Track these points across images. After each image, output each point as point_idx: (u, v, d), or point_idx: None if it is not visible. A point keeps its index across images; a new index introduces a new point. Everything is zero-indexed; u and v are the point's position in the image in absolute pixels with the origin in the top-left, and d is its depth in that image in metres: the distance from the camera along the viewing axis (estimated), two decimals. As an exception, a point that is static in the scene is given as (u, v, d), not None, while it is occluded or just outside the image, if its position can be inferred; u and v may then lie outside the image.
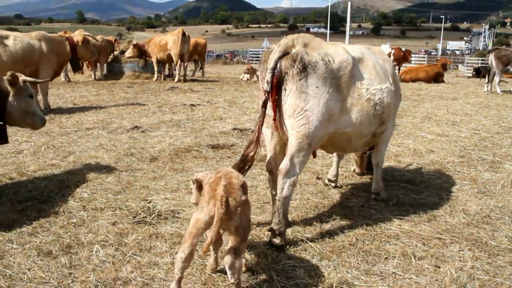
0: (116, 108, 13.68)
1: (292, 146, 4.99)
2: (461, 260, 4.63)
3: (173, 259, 4.52)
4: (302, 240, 5.02)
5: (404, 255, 4.72)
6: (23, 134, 9.22)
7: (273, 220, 4.98)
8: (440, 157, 8.57)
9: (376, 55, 5.94)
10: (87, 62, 24.24)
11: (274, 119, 5.02)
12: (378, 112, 5.51)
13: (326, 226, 5.43)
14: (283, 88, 4.93)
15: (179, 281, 3.76)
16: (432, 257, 4.69)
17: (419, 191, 6.69)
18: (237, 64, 49.59)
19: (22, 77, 6.35)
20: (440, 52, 78.22)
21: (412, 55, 36.78)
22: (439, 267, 4.49)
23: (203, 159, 8.17)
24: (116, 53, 25.49)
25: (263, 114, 4.95)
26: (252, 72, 25.55)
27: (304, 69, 4.90)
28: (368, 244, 4.99)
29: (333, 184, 6.89)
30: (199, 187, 4.05)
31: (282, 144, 5.28)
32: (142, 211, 5.64)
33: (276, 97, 4.95)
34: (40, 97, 13.08)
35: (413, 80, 26.00)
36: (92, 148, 8.81)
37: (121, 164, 7.77)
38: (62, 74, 21.19)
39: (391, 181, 7.11)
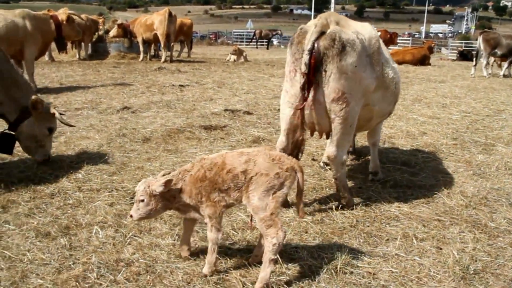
0: (104, 88, 13.48)
1: (335, 130, 5.03)
2: (462, 242, 4.65)
3: (174, 240, 4.47)
4: (303, 221, 5.00)
5: (405, 237, 4.73)
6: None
7: (336, 194, 5.46)
8: (433, 139, 8.59)
9: None
10: (71, 42, 23.78)
11: (307, 100, 4.92)
12: (396, 92, 5.55)
13: (325, 208, 5.41)
14: (322, 69, 4.84)
15: (275, 263, 3.75)
16: (433, 238, 4.70)
17: (415, 173, 6.70)
18: (222, 45, 49.22)
19: (54, 110, 6.31)
20: (423, 35, 78.48)
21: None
22: (441, 248, 4.50)
23: (197, 140, 8.09)
24: (100, 32, 25.06)
25: (303, 97, 4.85)
26: (239, 53, 25.35)
27: (344, 49, 4.81)
28: (368, 226, 4.98)
29: (328, 167, 6.86)
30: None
31: (296, 127, 5.19)
32: (139, 192, 5.55)
33: (313, 78, 4.85)
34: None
35: (400, 63, 25.99)
36: (83, 129, 8.66)
37: (114, 145, 7.65)
38: (46, 53, 20.78)
39: (386, 163, 7.11)
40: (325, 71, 4.84)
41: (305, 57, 4.77)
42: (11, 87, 6.20)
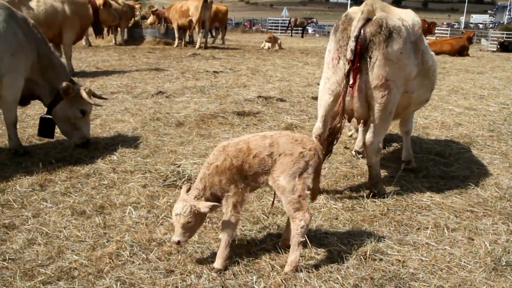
0: (139, 73, 13.67)
1: (374, 117, 5.05)
2: (495, 233, 4.57)
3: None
4: (333, 208, 5.00)
5: (436, 226, 4.68)
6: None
7: (369, 182, 5.45)
8: (469, 131, 8.43)
9: None
10: (107, 27, 24.13)
11: (352, 87, 4.92)
12: (433, 79, 5.52)
13: (356, 195, 5.40)
14: (367, 56, 4.83)
15: (303, 246, 3.79)
16: (465, 229, 4.64)
17: (449, 164, 6.60)
18: (256, 33, 49.11)
19: (82, 92, 6.39)
20: (462, 25, 76.63)
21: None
22: (472, 239, 4.44)
23: (229, 126, 8.14)
24: (136, 18, 25.33)
25: (347, 84, 4.86)
26: (273, 41, 25.28)
27: (390, 35, 4.80)
28: (399, 214, 4.95)
29: (360, 155, 6.82)
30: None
31: (336, 114, 5.19)
32: (172, 175, 5.65)
33: (358, 65, 4.85)
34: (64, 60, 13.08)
35: (437, 53, 25.43)
36: (118, 112, 8.82)
37: (148, 128, 7.78)
38: (84, 38, 21.14)
39: (420, 153, 7.02)
40: (370, 58, 4.83)
41: (351, 44, 4.77)
42: (48, 69, 6.36)
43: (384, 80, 4.86)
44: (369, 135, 5.22)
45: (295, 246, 3.68)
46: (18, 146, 6.33)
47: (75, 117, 6.49)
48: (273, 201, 4.36)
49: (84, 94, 6.41)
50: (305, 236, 3.72)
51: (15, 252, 3.94)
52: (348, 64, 4.79)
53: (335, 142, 5.14)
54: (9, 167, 5.83)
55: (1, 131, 7.16)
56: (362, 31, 4.80)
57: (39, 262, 3.80)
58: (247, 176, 3.69)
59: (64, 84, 6.27)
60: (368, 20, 4.85)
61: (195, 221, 3.61)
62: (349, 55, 4.77)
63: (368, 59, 4.84)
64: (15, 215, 4.60)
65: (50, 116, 6.51)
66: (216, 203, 3.62)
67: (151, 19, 23.67)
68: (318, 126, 5.32)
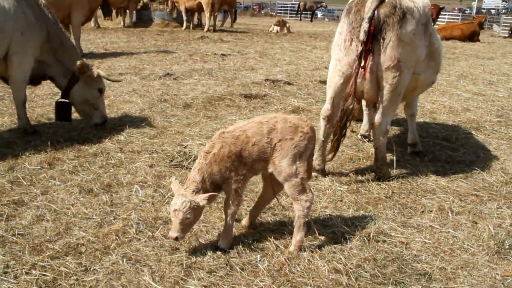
0: (147, 55, 13.68)
1: (383, 98, 5.06)
2: (499, 218, 4.59)
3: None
4: (338, 190, 5.03)
5: (440, 210, 4.70)
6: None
7: (374, 164, 5.49)
8: (476, 116, 8.41)
9: None
10: (116, 9, 24.11)
11: (364, 68, 4.93)
12: (438, 61, 5.52)
13: (362, 178, 5.42)
14: (380, 37, 4.84)
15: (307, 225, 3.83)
16: (470, 213, 4.66)
17: (455, 149, 6.60)
18: (265, 17, 48.89)
19: (97, 71, 6.44)
20: (474, 11, 75.74)
21: (441, 13, 35.25)
22: (476, 223, 4.46)
23: (236, 108, 8.16)
24: (145, 0, 25.28)
25: (359, 65, 4.87)
26: (282, 24, 25.16)
27: (404, 16, 4.82)
28: (404, 198, 4.98)
29: (366, 139, 6.83)
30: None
31: (348, 95, 5.24)
32: (179, 155, 5.69)
33: (370, 46, 4.86)
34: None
35: (447, 38, 25.23)
36: (126, 93, 8.86)
37: (155, 110, 7.82)
38: (92, 20, 21.14)
39: (426, 137, 7.02)
40: (383, 39, 4.84)
41: (365, 25, 4.77)
42: (59, 49, 6.38)
43: (396, 61, 4.88)
44: (377, 116, 5.22)
45: (301, 226, 3.72)
46: (27, 125, 6.39)
47: (93, 97, 6.54)
48: (276, 198, 4.27)
49: (101, 72, 6.49)
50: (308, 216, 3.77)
51: (24, 227, 4.01)
52: (361, 45, 4.79)
53: (348, 124, 5.16)
54: (18, 145, 5.89)
55: (11, 110, 7.21)
56: (375, 12, 4.79)
57: (47, 237, 3.87)
58: (246, 163, 3.68)
59: (78, 62, 6.30)
60: (381, 1, 4.85)
61: (194, 216, 3.56)
62: (362, 36, 4.77)
63: (381, 40, 4.84)
64: (24, 192, 4.67)
65: (66, 100, 6.57)
66: (213, 193, 3.59)
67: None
68: (326, 107, 5.34)
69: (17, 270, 3.43)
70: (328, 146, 5.44)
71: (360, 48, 4.81)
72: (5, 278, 3.33)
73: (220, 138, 3.67)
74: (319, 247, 3.86)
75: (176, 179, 3.74)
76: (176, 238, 3.55)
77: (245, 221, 4.17)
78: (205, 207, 3.69)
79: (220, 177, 3.66)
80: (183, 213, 3.47)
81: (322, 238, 4.03)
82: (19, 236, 3.89)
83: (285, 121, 3.71)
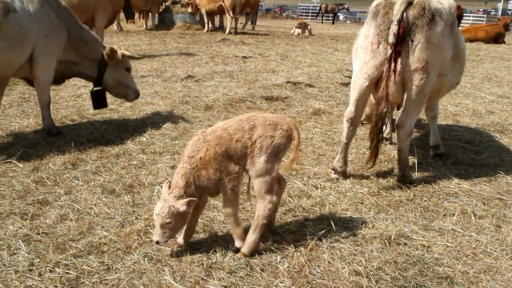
0: (169, 58, 13.79)
1: (409, 99, 5.04)
2: (523, 222, 4.53)
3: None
4: (359, 193, 5.01)
5: (463, 213, 4.65)
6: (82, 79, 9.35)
7: (396, 166, 5.45)
8: (501, 119, 8.28)
9: None
10: (138, 12, 24.37)
11: (394, 71, 4.89)
12: (463, 62, 5.48)
13: (383, 181, 5.39)
14: (409, 39, 4.83)
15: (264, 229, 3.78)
16: (493, 216, 4.60)
17: (479, 152, 6.52)
18: (287, 19, 48.86)
19: (121, 51, 6.67)
20: (500, 12, 74.65)
21: (466, 14, 34.79)
22: (500, 227, 4.40)
23: (257, 110, 8.18)
24: (167, 3, 25.50)
25: (389, 68, 4.85)
26: (303, 27, 25.14)
27: (433, 18, 4.81)
28: (426, 201, 4.93)
29: (388, 142, 6.79)
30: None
31: (366, 99, 5.32)
32: (200, 157, 5.72)
33: (400, 49, 4.84)
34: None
35: (472, 40, 24.91)
36: (148, 95, 8.95)
37: (177, 112, 7.88)
38: (115, 22, 21.40)
39: (449, 140, 6.95)
40: (412, 41, 4.82)
41: (394, 28, 4.75)
42: (81, 46, 6.55)
43: (424, 63, 4.85)
44: (402, 118, 5.17)
45: (258, 227, 3.69)
46: (52, 126, 6.50)
47: (124, 77, 6.81)
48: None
49: (125, 52, 6.76)
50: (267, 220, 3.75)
51: (48, 226, 4.09)
52: (390, 48, 4.78)
53: (384, 128, 5.13)
54: (43, 146, 5.99)
55: (36, 112, 7.34)
56: (404, 15, 4.78)
57: (71, 236, 3.94)
58: (233, 160, 3.62)
59: (107, 48, 6.53)
60: (410, 3, 4.83)
61: (175, 221, 3.50)
62: (391, 39, 4.75)
63: (410, 42, 4.82)
64: (48, 192, 4.76)
65: (99, 88, 6.81)
66: (191, 198, 3.51)
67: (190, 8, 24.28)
68: (350, 110, 5.33)
69: (41, 268, 3.49)
70: (352, 149, 5.42)
71: (389, 51, 4.79)
72: (29, 276, 3.40)
73: (203, 141, 3.59)
74: (339, 249, 3.86)
75: (168, 182, 3.68)
76: (157, 242, 3.54)
77: None
78: (188, 212, 3.57)
79: (210, 181, 3.59)
80: (162, 217, 3.46)
81: (343, 240, 4.02)
82: (43, 234, 3.96)
83: (265, 119, 3.69)
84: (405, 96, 5.07)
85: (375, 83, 5.13)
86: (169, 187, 3.62)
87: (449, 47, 5.05)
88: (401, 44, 4.80)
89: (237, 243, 3.78)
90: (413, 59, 4.85)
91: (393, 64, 4.83)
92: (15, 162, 5.41)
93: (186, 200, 3.48)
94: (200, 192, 3.64)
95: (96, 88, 6.83)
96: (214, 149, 3.55)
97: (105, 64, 6.64)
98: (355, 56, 5.36)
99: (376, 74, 5.02)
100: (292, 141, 3.77)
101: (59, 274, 3.42)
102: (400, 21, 4.75)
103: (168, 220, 3.47)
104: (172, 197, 3.52)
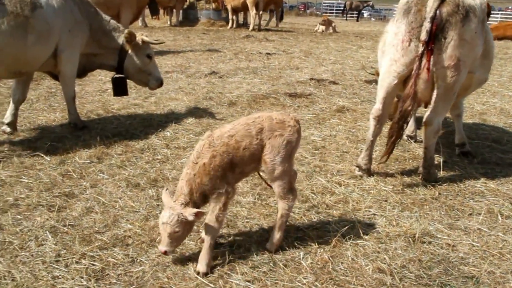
0: (193, 54, 13.86)
1: (438, 97, 5.00)
2: (551, 222, 4.44)
3: (254, 199, 4.63)
4: (383, 190, 4.98)
5: (490, 213, 4.58)
6: (107, 74, 9.45)
7: (421, 165, 5.36)
8: (529, 118, 8.14)
9: None
10: (163, 8, 24.52)
11: (428, 68, 4.84)
12: (491, 59, 5.43)
13: (407, 179, 5.34)
14: (441, 37, 4.77)
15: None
16: (521, 217, 4.53)
17: (506, 151, 6.41)
18: (311, 16, 48.60)
19: (141, 37, 6.66)
20: (529, 10, 73.17)
21: (494, 12, 34.16)
22: (528, 227, 4.33)
23: (281, 107, 8.18)
24: (192, 0, 25.62)
25: (419, 66, 4.81)
26: (327, 24, 24.99)
27: (467, 14, 4.76)
28: (451, 199, 4.87)
29: (412, 140, 6.72)
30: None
31: (393, 96, 5.30)
32: (223, 152, 5.74)
33: (433, 46, 4.79)
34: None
35: (500, 38, 24.40)
36: (172, 91, 9.02)
37: (201, 107, 7.92)
38: (140, 18, 21.57)
39: (475, 139, 6.85)
40: (445, 38, 4.76)
41: (427, 25, 4.70)
42: (102, 38, 6.62)
43: (456, 61, 4.79)
44: (429, 115, 5.11)
45: (283, 225, 3.72)
46: (78, 120, 6.59)
47: (145, 64, 6.79)
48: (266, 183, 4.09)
49: (145, 38, 6.71)
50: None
51: (74, 218, 4.15)
52: (423, 45, 4.72)
53: (405, 126, 5.08)
54: (69, 140, 6.09)
55: (62, 106, 7.45)
56: (438, 12, 4.72)
57: (96, 229, 3.99)
58: (236, 169, 3.52)
59: (125, 31, 6.56)
60: (442, 0, 4.77)
61: (183, 229, 3.39)
62: (424, 36, 4.70)
63: (442, 40, 4.76)
64: (74, 185, 4.83)
65: (121, 75, 6.83)
66: (200, 210, 3.37)
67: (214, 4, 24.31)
68: (377, 107, 5.28)
69: (68, 259, 3.55)
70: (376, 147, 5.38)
71: (421, 49, 4.73)
72: (56, 266, 3.46)
73: (209, 147, 3.45)
74: (363, 246, 3.84)
75: (167, 189, 3.60)
76: (165, 252, 3.43)
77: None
78: (195, 222, 3.46)
79: (209, 188, 3.43)
80: (171, 226, 3.33)
81: (366, 237, 4.00)
82: (69, 226, 4.02)
83: (271, 119, 3.61)
84: (434, 93, 5.00)
85: (403, 81, 5.08)
86: (172, 195, 3.52)
87: (480, 44, 4.98)
88: (433, 42, 4.75)
89: (200, 267, 3.47)
90: (445, 57, 4.79)
91: (425, 62, 4.77)
92: (42, 155, 5.50)
93: (194, 210, 3.34)
94: (204, 199, 3.49)
95: (117, 75, 6.86)
96: (221, 156, 3.42)
97: (126, 52, 6.67)
98: (382, 54, 5.31)
99: (405, 72, 4.97)
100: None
101: (85, 265, 3.48)
102: (433, 18, 4.69)
103: (177, 229, 3.35)
104: (178, 204, 3.40)
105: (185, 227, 3.39)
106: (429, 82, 4.92)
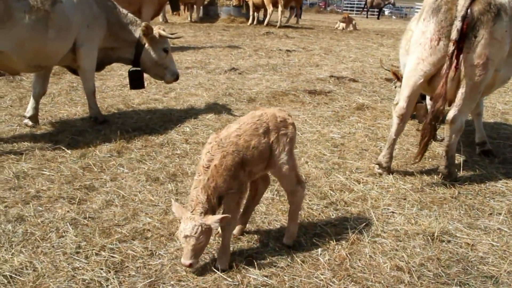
0: (213, 50, 13.89)
1: (463, 95, 4.97)
2: None
3: (273, 195, 4.64)
4: (402, 188, 4.95)
5: (510, 213, 4.53)
6: (127, 69, 9.53)
7: (441, 163, 5.28)
8: (552, 118, 8.01)
9: None
10: (183, 4, 24.61)
11: (456, 67, 4.81)
12: None
13: (427, 178, 5.30)
14: (472, 36, 4.74)
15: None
16: (542, 217, 4.47)
17: (528, 151, 6.33)
18: (331, 14, 48.34)
19: (158, 31, 6.68)
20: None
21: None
22: (549, 227, 4.28)
23: (300, 103, 8.17)
24: (212, -4, 25.71)
25: (450, 66, 4.76)
26: (348, 21, 24.83)
27: (498, 13, 4.72)
28: (471, 199, 4.83)
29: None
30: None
31: (418, 95, 5.29)
32: (242, 148, 5.76)
33: (463, 45, 4.77)
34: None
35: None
36: (192, 86, 9.06)
37: (220, 103, 7.95)
38: (160, 14, 21.68)
39: (497, 138, 6.77)
40: (475, 37, 4.72)
41: (458, 24, 4.66)
42: (119, 32, 6.67)
43: (485, 59, 4.76)
44: (453, 113, 5.06)
45: (297, 218, 3.81)
46: (98, 114, 6.66)
47: (161, 58, 6.81)
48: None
49: (162, 32, 6.72)
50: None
51: (95, 211, 4.21)
52: (453, 45, 4.68)
53: (438, 126, 5.03)
54: (90, 133, 6.17)
55: (83, 100, 7.53)
56: (469, 10, 4.68)
57: (116, 222, 4.05)
58: (246, 169, 3.48)
59: (142, 24, 6.58)
60: None
61: (206, 239, 3.32)
62: (455, 35, 4.65)
63: (473, 38, 4.72)
64: (94, 178, 4.89)
65: (137, 68, 6.87)
66: (224, 215, 3.29)
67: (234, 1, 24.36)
68: (402, 106, 5.25)
69: (88, 251, 3.61)
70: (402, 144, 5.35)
71: (451, 48, 4.69)
72: (77, 258, 3.51)
73: (218, 147, 3.38)
74: (381, 243, 3.83)
75: (176, 200, 3.51)
76: (190, 265, 3.30)
77: (237, 231, 3.90)
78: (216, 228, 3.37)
79: (225, 188, 3.37)
80: (196, 238, 3.22)
81: (384, 235, 3.99)
82: (89, 219, 4.08)
83: (274, 116, 3.62)
84: (460, 92, 4.96)
85: (428, 80, 5.04)
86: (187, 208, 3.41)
87: (508, 42, 4.94)
88: (464, 41, 4.70)
89: (220, 263, 3.47)
90: (475, 55, 4.74)
91: (455, 61, 4.73)
92: (63, 148, 5.59)
93: (216, 218, 3.26)
94: (220, 202, 3.43)
95: (133, 68, 6.90)
96: (232, 156, 3.37)
97: (143, 45, 6.69)
98: (405, 53, 5.26)
99: (432, 71, 4.94)
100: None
101: (104, 257, 3.53)
102: (464, 17, 4.64)
103: (201, 240, 3.25)
104: (198, 214, 3.27)
105: (208, 236, 3.32)
106: (455, 80, 4.88)
